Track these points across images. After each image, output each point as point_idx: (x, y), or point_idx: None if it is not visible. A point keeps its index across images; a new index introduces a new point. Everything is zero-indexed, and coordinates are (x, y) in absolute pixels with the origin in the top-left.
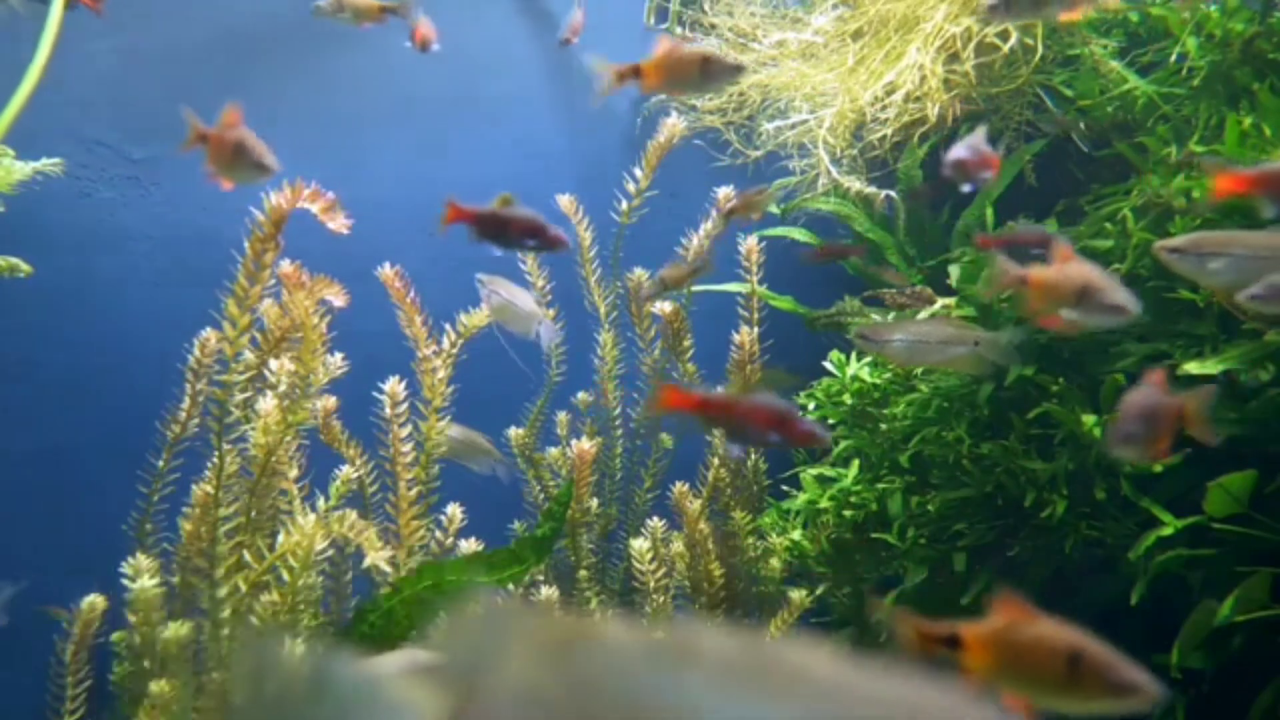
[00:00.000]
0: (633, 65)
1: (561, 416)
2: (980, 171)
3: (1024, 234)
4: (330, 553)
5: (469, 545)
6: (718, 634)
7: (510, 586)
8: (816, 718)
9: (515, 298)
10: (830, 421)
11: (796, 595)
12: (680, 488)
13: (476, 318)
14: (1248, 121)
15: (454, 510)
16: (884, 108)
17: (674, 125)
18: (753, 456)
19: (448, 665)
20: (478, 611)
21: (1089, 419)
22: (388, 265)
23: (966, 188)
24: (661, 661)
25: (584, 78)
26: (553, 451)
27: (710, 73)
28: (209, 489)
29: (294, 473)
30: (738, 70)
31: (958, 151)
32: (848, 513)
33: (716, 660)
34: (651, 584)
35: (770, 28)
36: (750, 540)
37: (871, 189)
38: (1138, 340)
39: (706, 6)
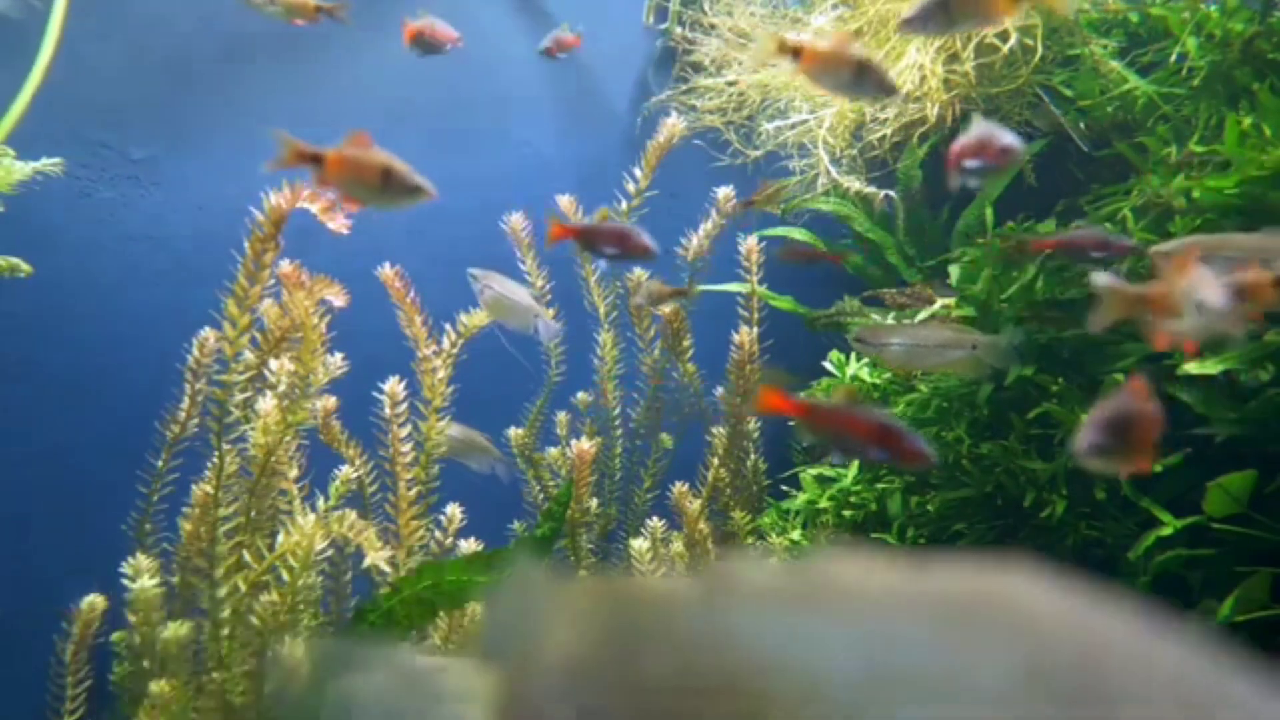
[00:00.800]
0: (795, 44)
1: (561, 416)
2: (993, 161)
3: (1080, 237)
4: (330, 553)
5: (469, 545)
6: (762, 566)
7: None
8: (879, 632)
9: (509, 292)
10: None
11: None
12: (680, 488)
13: (477, 318)
14: (1248, 121)
15: (454, 510)
16: (883, 108)
17: (674, 125)
18: (752, 456)
19: (492, 646)
20: (514, 586)
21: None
22: (388, 265)
23: (974, 183)
24: (707, 605)
25: (584, 77)
26: (552, 451)
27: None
28: (209, 489)
29: (294, 473)
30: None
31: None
32: (847, 513)
33: (763, 592)
34: None
35: (770, 28)
36: (750, 540)
37: (871, 189)
38: (1138, 340)
39: (706, 6)
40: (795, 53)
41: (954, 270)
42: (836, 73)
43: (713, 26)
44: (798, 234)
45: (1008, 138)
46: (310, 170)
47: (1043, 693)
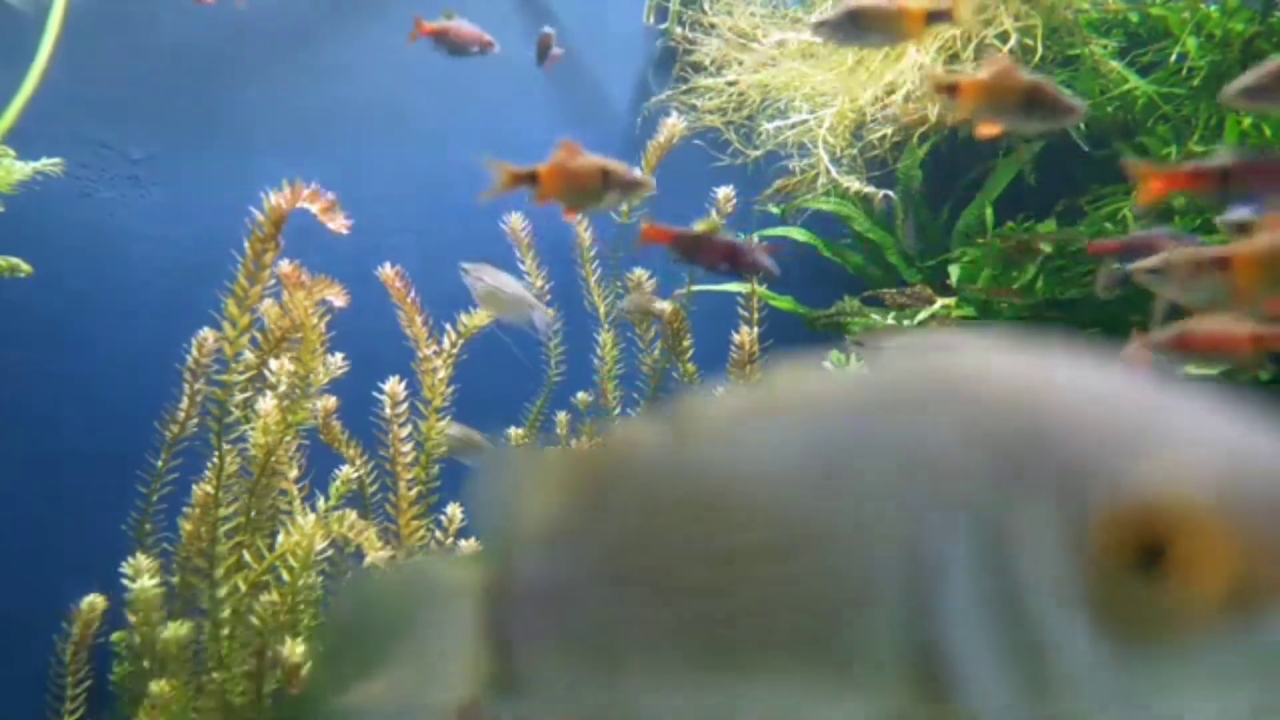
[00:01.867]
0: (950, 80)
1: (561, 416)
2: None
3: (1138, 239)
4: (330, 553)
5: (469, 545)
6: (722, 393)
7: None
8: (824, 432)
9: (502, 284)
10: None
11: None
12: None
13: (477, 318)
14: (1247, 121)
15: (454, 510)
16: (884, 108)
17: (674, 125)
18: None
19: (479, 531)
20: (492, 471)
21: None
22: (388, 265)
23: None
24: (668, 444)
25: (584, 77)
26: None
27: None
28: (209, 489)
29: (294, 473)
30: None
31: None
32: None
33: (720, 418)
34: None
35: (770, 28)
36: None
37: (871, 189)
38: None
39: (706, 6)
40: (951, 90)
41: (954, 270)
42: (1003, 103)
43: (713, 26)
44: (797, 234)
45: None
46: (528, 189)
47: (980, 456)
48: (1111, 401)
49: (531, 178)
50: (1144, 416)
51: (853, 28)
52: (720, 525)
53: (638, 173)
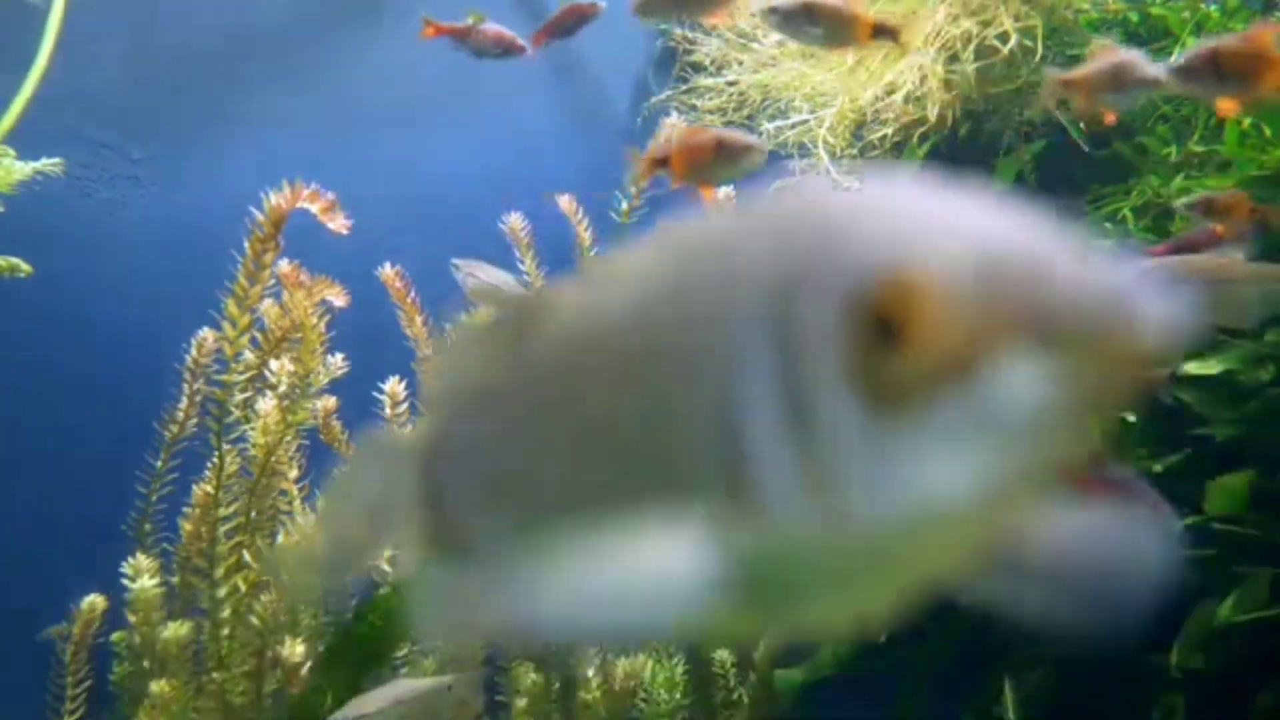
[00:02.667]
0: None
1: None
2: None
3: (1194, 237)
4: None
5: None
6: (631, 250)
7: None
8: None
9: (495, 280)
10: None
11: None
12: None
13: (478, 317)
14: (1247, 122)
15: None
16: (884, 107)
17: (674, 125)
18: None
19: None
20: (444, 352)
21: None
22: (388, 265)
23: None
24: (569, 299)
25: (584, 77)
26: None
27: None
28: (209, 489)
29: (294, 473)
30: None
31: None
32: None
33: (623, 269)
34: None
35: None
36: None
37: None
38: None
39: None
40: (1070, 85)
41: None
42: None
43: (713, 26)
44: None
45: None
46: (665, 173)
47: (780, 266)
48: (890, 208)
49: (664, 162)
50: (910, 217)
51: (803, 20)
52: (585, 365)
53: (750, 137)
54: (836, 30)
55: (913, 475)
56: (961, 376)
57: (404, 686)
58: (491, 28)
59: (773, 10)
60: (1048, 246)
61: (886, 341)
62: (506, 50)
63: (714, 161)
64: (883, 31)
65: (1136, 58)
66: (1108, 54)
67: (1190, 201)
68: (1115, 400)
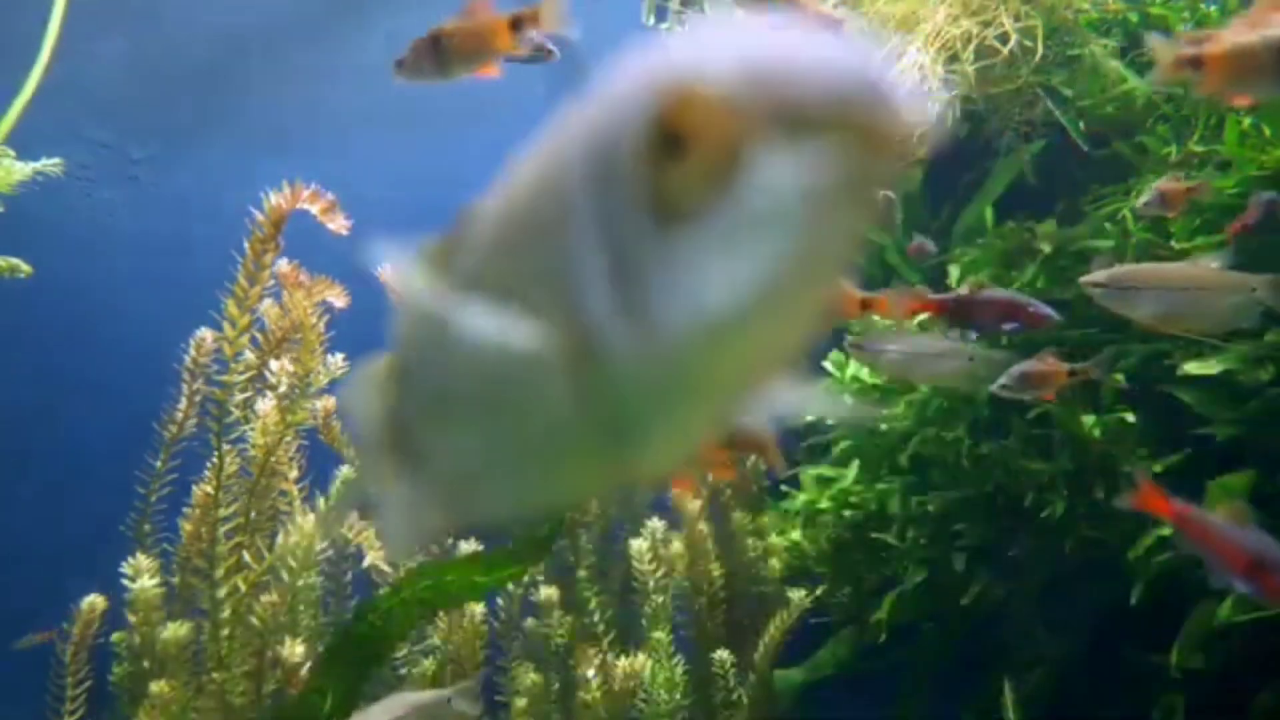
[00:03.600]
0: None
1: None
2: None
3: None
4: (330, 553)
5: (469, 545)
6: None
7: (509, 586)
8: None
9: None
10: (829, 422)
11: (796, 595)
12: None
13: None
14: (1247, 121)
15: None
16: None
17: None
18: (752, 456)
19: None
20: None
21: (1089, 419)
22: (388, 265)
23: None
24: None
25: (586, 77)
26: None
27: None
28: (209, 489)
29: (294, 473)
30: None
31: None
32: (847, 513)
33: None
34: (651, 584)
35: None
36: (750, 540)
37: None
38: (1138, 340)
39: (706, 6)
40: (1196, 63)
41: (954, 270)
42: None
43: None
44: None
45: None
46: None
47: (616, 113)
48: (682, 47)
49: None
50: (695, 47)
51: (436, 58)
52: (484, 254)
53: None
54: (470, 53)
55: (704, 280)
56: (734, 174)
57: (403, 700)
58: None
59: (399, 63)
60: (809, 47)
61: (673, 155)
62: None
63: None
64: (519, 24)
65: None
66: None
67: (1146, 200)
68: (872, 183)
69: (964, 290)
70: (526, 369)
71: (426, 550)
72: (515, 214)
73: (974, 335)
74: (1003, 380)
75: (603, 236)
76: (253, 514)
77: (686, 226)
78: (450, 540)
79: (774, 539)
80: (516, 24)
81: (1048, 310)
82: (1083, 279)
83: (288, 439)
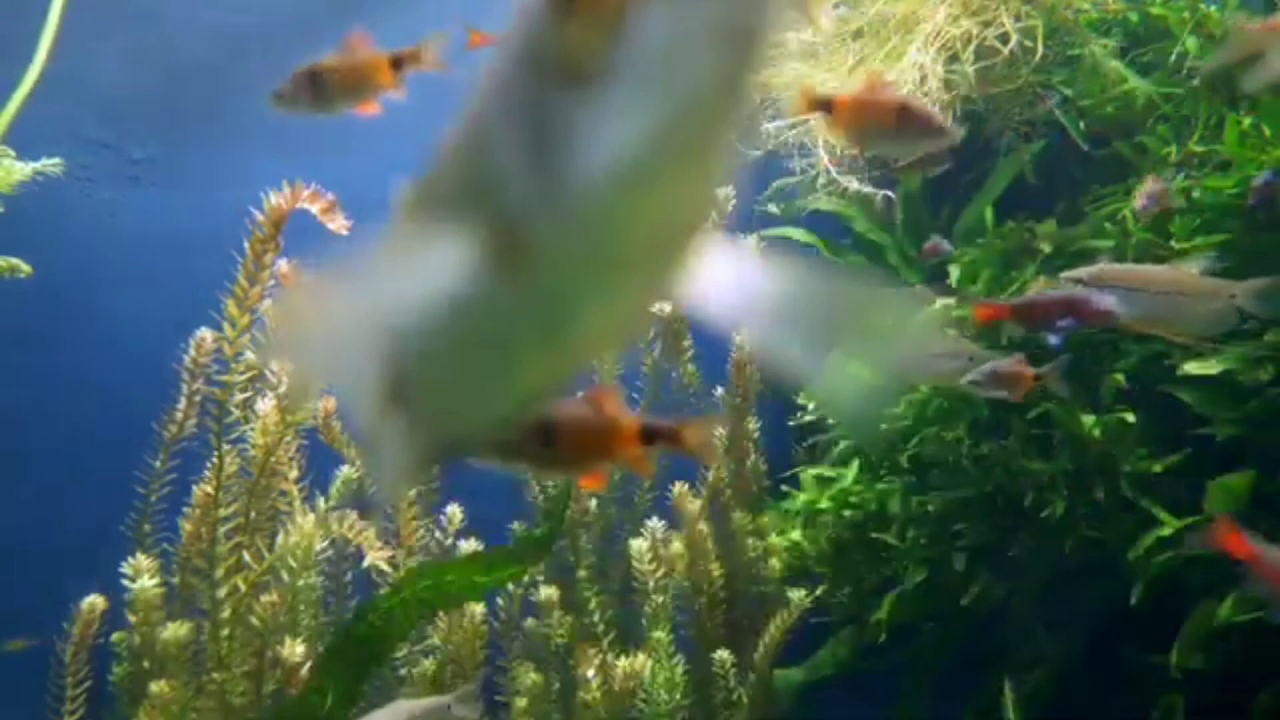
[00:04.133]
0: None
1: None
2: None
3: None
4: (330, 553)
5: (469, 545)
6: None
7: (509, 586)
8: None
9: None
10: (830, 421)
11: (796, 595)
12: (680, 488)
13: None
14: (1247, 121)
15: (454, 510)
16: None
17: None
18: (752, 456)
19: None
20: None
21: (1089, 419)
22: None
23: None
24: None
25: None
26: None
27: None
28: (209, 489)
29: (294, 473)
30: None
31: None
32: (847, 513)
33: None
34: (651, 584)
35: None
36: (750, 540)
37: (870, 189)
38: (1138, 341)
39: None
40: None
41: (954, 270)
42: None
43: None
44: (798, 234)
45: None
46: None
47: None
48: None
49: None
50: None
51: (315, 92)
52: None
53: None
54: (353, 88)
55: (610, 138)
56: (622, 27)
57: (402, 708)
58: None
59: (278, 96)
60: None
61: (568, 11)
62: None
63: (887, 126)
64: (400, 63)
65: None
66: None
67: (1142, 204)
68: (749, 24)
69: (1031, 292)
70: (464, 280)
71: (427, 550)
72: (456, 133)
73: (1053, 340)
74: (973, 375)
75: (522, 115)
76: (253, 514)
77: (590, 88)
78: (450, 540)
79: (774, 539)
80: (397, 63)
81: (1109, 302)
82: (1064, 274)
83: (288, 439)
